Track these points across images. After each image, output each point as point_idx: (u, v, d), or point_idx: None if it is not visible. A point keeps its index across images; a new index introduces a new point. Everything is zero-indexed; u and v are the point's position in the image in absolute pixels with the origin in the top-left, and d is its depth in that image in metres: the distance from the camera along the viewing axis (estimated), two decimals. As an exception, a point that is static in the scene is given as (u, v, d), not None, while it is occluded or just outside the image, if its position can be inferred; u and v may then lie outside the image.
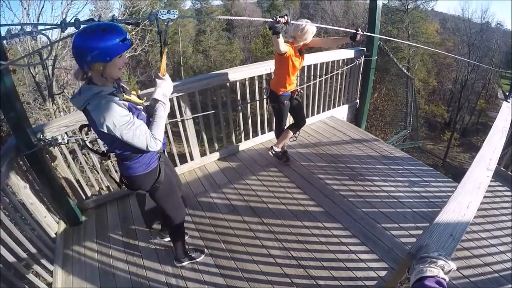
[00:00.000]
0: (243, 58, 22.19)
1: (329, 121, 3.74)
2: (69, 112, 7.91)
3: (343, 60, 3.53)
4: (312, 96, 3.49)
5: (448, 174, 3.63)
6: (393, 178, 2.71)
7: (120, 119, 1.21)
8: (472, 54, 18.78)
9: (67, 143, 2.16)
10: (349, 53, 3.47)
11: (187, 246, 2.00)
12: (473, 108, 20.97)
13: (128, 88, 1.38)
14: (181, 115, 2.67)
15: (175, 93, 2.48)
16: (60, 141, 2.10)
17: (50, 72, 8.15)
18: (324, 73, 3.43)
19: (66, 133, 2.16)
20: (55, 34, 10.36)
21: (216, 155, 3.08)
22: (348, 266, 1.91)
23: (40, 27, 1.21)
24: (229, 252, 2.06)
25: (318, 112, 3.72)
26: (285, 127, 2.80)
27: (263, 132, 3.34)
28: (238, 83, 2.88)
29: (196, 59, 22.43)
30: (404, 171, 2.82)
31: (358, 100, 3.88)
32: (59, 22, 1.23)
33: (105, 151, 1.60)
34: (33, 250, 1.90)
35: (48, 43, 1.23)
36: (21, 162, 2.01)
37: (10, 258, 1.64)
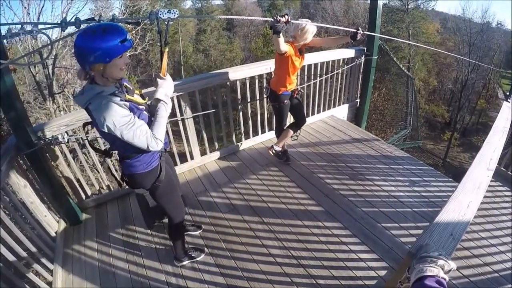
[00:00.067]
0: (243, 58, 22.20)
1: (330, 120, 3.74)
2: (69, 111, 7.92)
3: (344, 59, 3.53)
4: (312, 96, 3.49)
5: (448, 174, 3.62)
6: (393, 178, 2.71)
7: (120, 120, 1.22)
8: (473, 54, 18.77)
9: (67, 142, 2.16)
10: (350, 53, 3.46)
11: (187, 246, 2.01)
12: (474, 108, 20.96)
13: (131, 88, 1.38)
14: (181, 114, 2.67)
15: (175, 92, 2.47)
16: (60, 140, 2.09)
17: (50, 71, 8.16)
18: (324, 73, 3.43)
19: (66, 132, 2.15)
20: (55, 33, 10.38)
21: (216, 154, 3.08)
22: (348, 265, 1.92)
23: (40, 26, 1.20)
24: (229, 251, 2.06)
25: (319, 112, 3.72)
26: (286, 127, 2.80)
27: (263, 131, 3.34)
28: (238, 82, 2.88)
29: (196, 58, 22.46)
30: (404, 170, 2.82)
31: (358, 100, 3.88)
32: (59, 21, 1.22)
33: (107, 149, 1.61)
34: (33, 249, 1.90)
35: (49, 42, 1.23)
36: (21, 161, 2.01)
37: (10, 257, 1.64)
